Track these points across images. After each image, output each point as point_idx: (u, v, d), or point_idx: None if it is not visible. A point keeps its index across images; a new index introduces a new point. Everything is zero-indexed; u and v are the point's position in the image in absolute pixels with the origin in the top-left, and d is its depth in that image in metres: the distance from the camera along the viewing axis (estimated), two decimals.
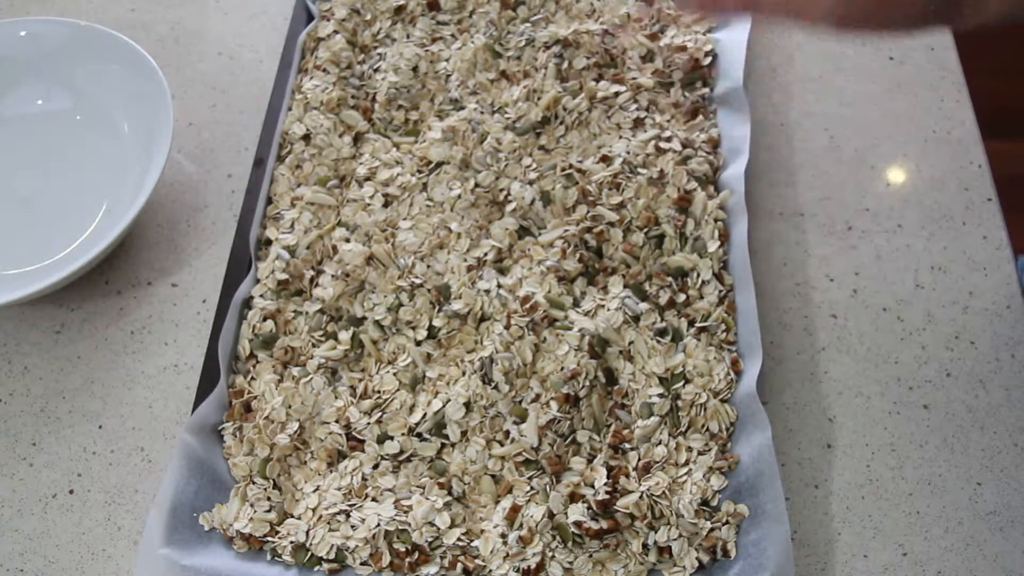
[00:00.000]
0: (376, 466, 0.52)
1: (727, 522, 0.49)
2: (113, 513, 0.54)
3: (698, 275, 0.57)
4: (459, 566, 0.48)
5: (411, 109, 0.66)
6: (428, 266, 0.58)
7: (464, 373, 0.54)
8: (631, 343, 0.54)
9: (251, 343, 0.55)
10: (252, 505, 0.50)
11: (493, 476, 0.52)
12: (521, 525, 0.49)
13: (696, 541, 0.49)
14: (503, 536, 0.49)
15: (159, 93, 0.62)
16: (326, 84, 0.64)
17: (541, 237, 0.58)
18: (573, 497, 0.49)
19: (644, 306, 0.55)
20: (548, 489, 0.50)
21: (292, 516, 0.51)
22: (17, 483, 0.55)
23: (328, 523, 0.50)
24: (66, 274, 0.55)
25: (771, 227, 0.63)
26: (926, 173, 0.66)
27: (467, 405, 0.52)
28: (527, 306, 0.54)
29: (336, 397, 0.54)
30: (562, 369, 0.52)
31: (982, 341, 0.58)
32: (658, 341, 0.54)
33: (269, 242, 0.59)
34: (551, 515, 0.49)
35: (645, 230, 0.58)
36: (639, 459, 0.51)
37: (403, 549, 0.48)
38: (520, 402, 0.53)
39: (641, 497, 0.49)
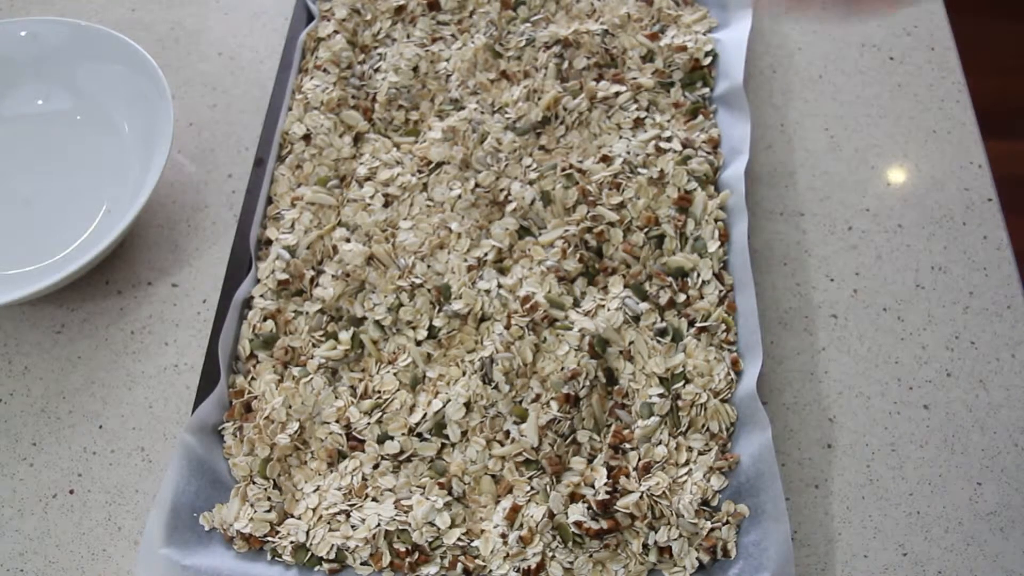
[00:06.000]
0: (376, 466, 0.52)
1: (727, 522, 0.49)
2: (113, 513, 0.54)
3: (698, 275, 0.57)
4: (459, 566, 0.48)
5: (411, 109, 0.66)
6: (428, 266, 0.58)
7: (464, 373, 0.54)
8: (631, 343, 0.54)
9: (251, 343, 0.55)
10: (252, 505, 0.50)
11: (493, 476, 0.52)
12: (521, 525, 0.49)
13: (696, 541, 0.49)
14: (503, 536, 0.49)
15: (159, 93, 0.62)
16: (326, 84, 0.64)
17: (541, 237, 0.58)
18: (573, 497, 0.49)
19: (644, 306, 0.55)
20: (548, 489, 0.50)
21: (292, 516, 0.51)
22: (17, 483, 0.55)
23: (328, 523, 0.50)
24: (66, 274, 0.55)
25: (771, 227, 0.63)
26: (926, 173, 0.66)
27: (467, 405, 0.52)
28: (527, 306, 0.54)
29: (336, 397, 0.54)
30: (562, 369, 0.52)
31: (982, 341, 0.59)
32: (658, 341, 0.54)
33: (269, 242, 0.59)
34: (551, 515, 0.49)
35: (645, 230, 0.58)
36: (639, 459, 0.51)
37: (403, 549, 0.48)
38: (520, 402, 0.53)
39: (641, 497, 0.49)
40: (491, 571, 0.48)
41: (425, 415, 0.52)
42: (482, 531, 0.50)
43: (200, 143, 0.69)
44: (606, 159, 0.60)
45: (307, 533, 0.49)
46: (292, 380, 0.54)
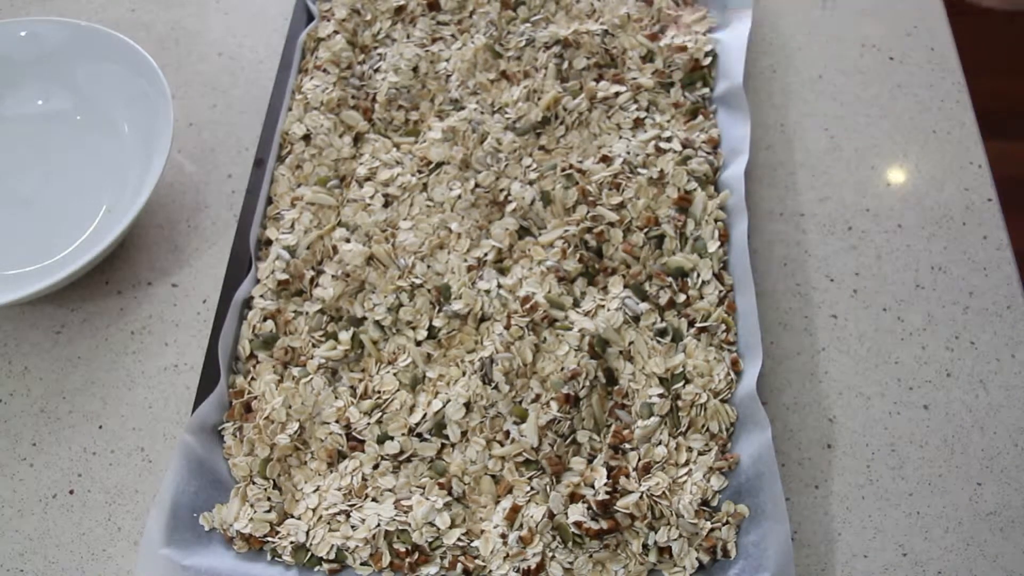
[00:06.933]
0: (376, 466, 0.52)
1: (727, 522, 0.49)
2: (113, 513, 0.54)
3: (698, 275, 0.57)
4: (459, 566, 0.48)
5: (411, 109, 0.66)
6: (428, 266, 0.58)
7: (464, 373, 0.54)
8: (631, 343, 0.54)
9: (251, 343, 0.55)
10: (252, 505, 0.50)
11: (493, 476, 0.52)
12: (521, 525, 0.49)
13: (696, 541, 0.49)
14: (503, 536, 0.49)
15: (159, 93, 0.62)
16: (326, 84, 0.64)
17: (541, 237, 0.58)
18: (573, 497, 0.49)
19: (644, 306, 0.55)
20: (548, 489, 0.50)
21: (292, 516, 0.51)
22: (17, 483, 0.55)
23: (328, 523, 0.50)
24: (66, 274, 0.55)
25: (771, 227, 0.63)
26: (926, 173, 0.66)
27: (467, 405, 0.52)
28: (527, 306, 0.54)
29: (336, 397, 0.54)
30: (562, 369, 0.52)
31: (982, 341, 0.58)
32: (658, 341, 0.54)
33: (269, 242, 0.59)
34: (551, 515, 0.49)
35: (645, 230, 0.58)
36: (639, 459, 0.51)
37: (403, 549, 0.48)
38: (520, 402, 0.53)
39: (641, 497, 0.49)
40: (491, 571, 0.48)
41: (425, 415, 0.52)
42: (482, 531, 0.50)
43: (200, 143, 0.69)
44: (606, 159, 0.60)
45: (307, 533, 0.49)
46: (292, 380, 0.54)
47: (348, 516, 0.50)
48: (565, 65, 0.65)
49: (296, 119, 0.63)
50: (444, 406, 0.52)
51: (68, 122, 0.68)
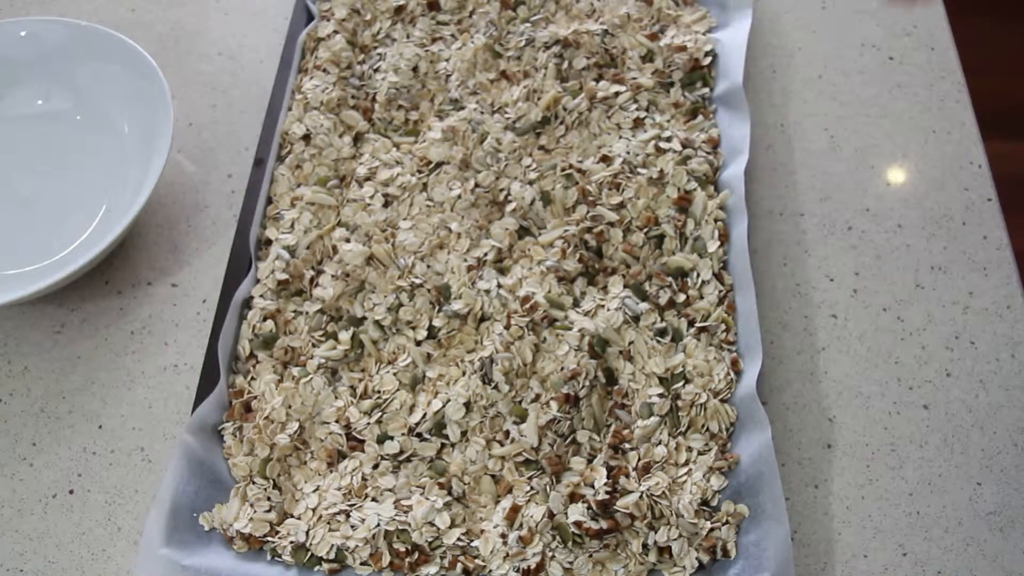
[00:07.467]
0: (376, 466, 0.52)
1: (727, 522, 0.49)
2: (113, 513, 0.54)
3: (698, 275, 0.57)
4: (459, 566, 0.48)
5: (411, 109, 0.66)
6: (428, 266, 0.58)
7: (464, 373, 0.54)
8: (631, 343, 0.54)
9: (251, 343, 0.55)
10: (252, 505, 0.50)
11: (493, 476, 0.52)
12: (521, 525, 0.49)
13: (696, 541, 0.49)
14: (503, 536, 0.49)
15: (159, 93, 0.62)
16: (326, 84, 0.64)
17: (541, 237, 0.58)
18: (573, 497, 0.49)
19: (644, 306, 0.55)
20: (548, 489, 0.50)
21: (292, 516, 0.51)
22: (17, 483, 0.55)
23: (328, 523, 0.50)
24: (66, 274, 0.55)
25: (771, 227, 0.63)
26: (926, 173, 0.66)
27: (467, 405, 0.52)
28: (527, 306, 0.54)
29: (336, 397, 0.54)
30: (562, 369, 0.52)
31: (982, 341, 0.58)
32: (658, 341, 0.54)
33: (269, 242, 0.59)
34: (551, 515, 0.49)
35: (645, 230, 0.58)
36: (639, 459, 0.51)
37: (403, 549, 0.48)
38: (520, 402, 0.53)
39: (641, 497, 0.49)
40: (491, 571, 0.48)
41: (425, 415, 0.52)
42: (482, 531, 0.50)
43: (200, 143, 0.69)
44: (606, 159, 0.60)
45: (307, 533, 0.49)
46: (292, 380, 0.54)
47: (348, 516, 0.50)
48: (565, 65, 0.65)
49: (296, 119, 0.63)
50: (444, 406, 0.52)
51: (68, 122, 0.68)
